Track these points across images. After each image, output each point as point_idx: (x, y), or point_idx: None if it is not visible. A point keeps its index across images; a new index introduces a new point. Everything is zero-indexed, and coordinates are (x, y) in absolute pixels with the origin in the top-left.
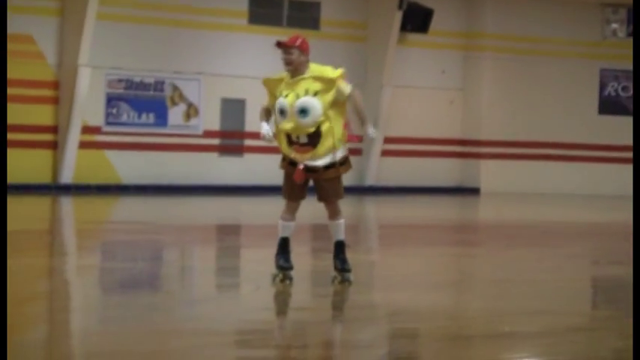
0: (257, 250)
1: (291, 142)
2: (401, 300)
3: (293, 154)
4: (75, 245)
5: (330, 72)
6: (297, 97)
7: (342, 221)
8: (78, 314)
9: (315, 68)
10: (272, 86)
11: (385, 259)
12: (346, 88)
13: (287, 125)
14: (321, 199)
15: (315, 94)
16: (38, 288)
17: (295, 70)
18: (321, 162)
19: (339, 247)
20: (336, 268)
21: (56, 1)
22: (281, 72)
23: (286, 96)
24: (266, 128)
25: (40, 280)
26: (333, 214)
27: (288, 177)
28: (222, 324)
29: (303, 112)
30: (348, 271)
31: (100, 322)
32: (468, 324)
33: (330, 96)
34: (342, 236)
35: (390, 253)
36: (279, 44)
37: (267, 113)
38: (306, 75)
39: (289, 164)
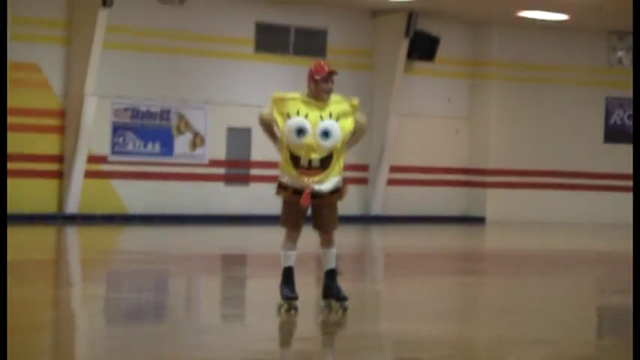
0: (262, 280)
1: (297, 165)
2: (406, 329)
3: (300, 177)
4: (80, 275)
5: (351, 100)
6: (322, 118)
7: (335, 249)
8: (83, 344)
9: (334, 96)
10: (285, 104)
11: (391, 288)
12: (362, 117)
13: (306, 142)
14: (319, 226)
15: (338, 118)
16: (43, 318)
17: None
18: (328, 186)
19: (333, 276)
20: (330, 296)
21: (62, 30)
22: (293, 92)
23: (306, 115)
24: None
25: (45, 310)
26: (329, 242)
27: (290, 205)
28: (227, 354)
29: (326, 134)
30: (346, 299)
31: (105, 353)
32: (472, 353)
33: (350, 122)
34: (334, 264)
35: (396, 282)
36: (333, 73)
37: (270, 131)
38: (330, 100)
39: (293, 193)
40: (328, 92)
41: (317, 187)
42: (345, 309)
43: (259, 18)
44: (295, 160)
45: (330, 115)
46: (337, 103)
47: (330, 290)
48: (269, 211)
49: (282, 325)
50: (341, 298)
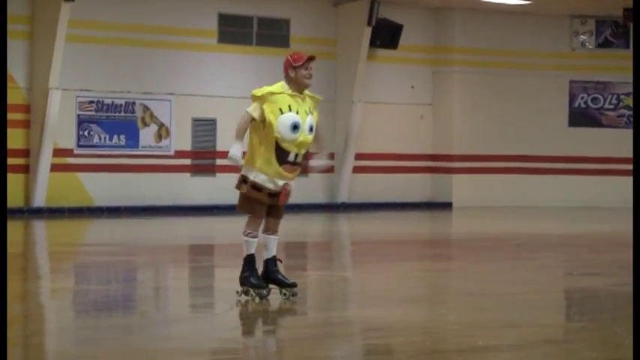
0: (230, 270)
1: (284, 161)
2: (375, 316)
3: (282, 175)
4: (48, 268)
5: (316, 96)
6: (306, 113)
7: None
8: (52, 337)
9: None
10: (275, 100)
11: (359, 276)
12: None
13: (300, 137)
14: (276, 215)
15: (312, 113)
16: (12, 311)
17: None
18: (294, 181)
19: (275, 263)
20: (278, 283)
21: (25, 25)
22: (275, 85)
23: (297, 112)
24: (238, 149)
25: (13, 303)
26: (276, 229)
27: (259, 201)
28: (196, 344)
29: (311, 129)
30: (296, 285)
31: (74, 345)
32: (442, 338)
33: (316, 118)
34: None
35: (364, 269)
36: (312, 59)
37: (244, 131)
38: (305, 93)
39: (268, 195)
40: (309, 78)
41: (292, 184)
42: (295, 294)
43: (222, 9)
44: (283, 156)
45: (310, 110)
46: (309, 97)
47: (276, 277)
48: (236, 201)
49: (251, 313)
50: (292, 284)
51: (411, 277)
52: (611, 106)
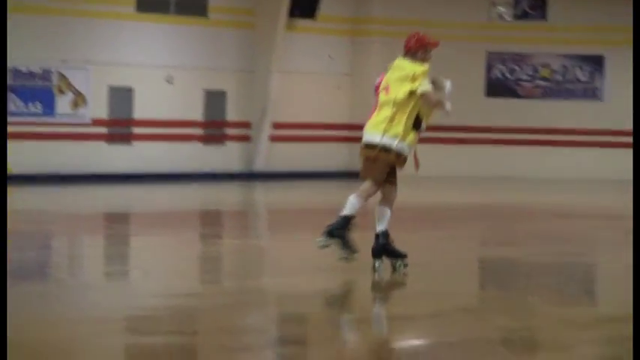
0: (146, 238)
1: (416, 129)
2: (291, 284)
3: (415, 142)
4: None
5: None
6: None
7: None
8: None
9: None
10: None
11: (275, 245)
12: None
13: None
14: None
15: None
16: None
17: None
18: None
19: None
20: (400, 255)
21: None
22: (417, 63)
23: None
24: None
25: None
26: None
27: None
28: (111, 311)
29: None
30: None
31: None
32: (357, 307)
33: None
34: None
35: (280, 238)
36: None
37: None
38: None
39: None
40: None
41: None
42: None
43: None
44: (417, 124)
45: None
46: None
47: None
48: (152, 170)
49: (166, 281)
50: (404, 255)
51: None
52: (528, 77)
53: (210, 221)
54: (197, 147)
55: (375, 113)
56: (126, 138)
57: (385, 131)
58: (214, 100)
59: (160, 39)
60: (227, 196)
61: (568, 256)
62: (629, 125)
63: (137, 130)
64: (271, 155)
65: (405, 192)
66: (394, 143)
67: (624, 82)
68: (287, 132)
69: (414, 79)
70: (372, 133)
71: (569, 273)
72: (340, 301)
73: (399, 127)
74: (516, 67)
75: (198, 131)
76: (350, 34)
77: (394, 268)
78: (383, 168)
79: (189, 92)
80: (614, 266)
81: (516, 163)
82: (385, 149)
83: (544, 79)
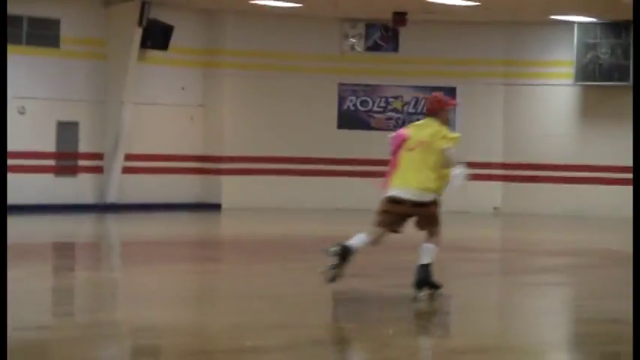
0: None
1: None
2: (144, 317)
3: None
4: None
5: None
6: None
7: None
8: None
9: None
10: None
11: (128, 277)
12: None
13: None
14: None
15: None
16: None
17: None
18: None
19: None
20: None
21: None
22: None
23: None
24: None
25: None
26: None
27: None
28: None
29: None
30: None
31: None
32: (210, 339)
33: None
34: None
35: (133, 270)
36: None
37: None
38: None
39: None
40: None
41: None
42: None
43: None
44: None
45: None
46: None
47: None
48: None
49: (16, 313)
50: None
51: (181, 278)
52: (380, 109)
53: (62, 253)
54: (49, 178)
55: (414, 169)
56: None
57: (435, 190)
58: (67, 131)
59: (12, 70)
60: (79, 228)
61: None
62: (483, 157)
63: None
64: (124, 187)
65: (258, 223)
66: (437, 197)
67: (475, 114)
68: (140, 163)
69: (445, 138)
70: (422, 193)
71: (423, 305)
72: (193, 332)
73: (438, 182)
74: (368, 99)
75: (50, 162)
76: (202, 65)
77: None
78: (438, 214)
79: (42, 123)
80: (469, 298)
81: (367, 194)
82: (435, 203)
83: (395, 110)
